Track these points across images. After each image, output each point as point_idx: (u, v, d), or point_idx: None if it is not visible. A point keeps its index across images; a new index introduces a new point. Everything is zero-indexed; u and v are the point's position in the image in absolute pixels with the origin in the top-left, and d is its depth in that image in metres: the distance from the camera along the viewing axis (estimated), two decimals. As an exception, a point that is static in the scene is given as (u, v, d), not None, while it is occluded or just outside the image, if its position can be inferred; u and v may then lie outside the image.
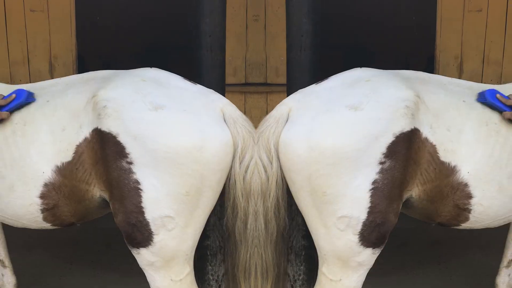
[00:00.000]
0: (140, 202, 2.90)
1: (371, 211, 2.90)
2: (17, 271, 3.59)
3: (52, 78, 4.78)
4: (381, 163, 2.86)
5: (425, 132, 2.95)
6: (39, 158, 3.00)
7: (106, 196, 3.02)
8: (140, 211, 2.91)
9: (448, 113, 3.02)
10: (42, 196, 3.02)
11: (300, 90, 3.16)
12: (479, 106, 3.08)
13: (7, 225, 3.26)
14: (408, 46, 5.00)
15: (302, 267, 3.87)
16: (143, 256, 3.00)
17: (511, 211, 3.12)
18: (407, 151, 2.90)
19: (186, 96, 3.02)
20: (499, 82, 4.99)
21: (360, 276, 3.03)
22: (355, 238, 2.93)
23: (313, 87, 3.13)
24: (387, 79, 3.08)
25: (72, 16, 4.78)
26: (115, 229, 2.98)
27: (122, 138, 2.88)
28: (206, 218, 3.04)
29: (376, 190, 2.88)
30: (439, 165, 2.96)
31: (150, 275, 3.05)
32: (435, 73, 4.83)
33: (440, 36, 5.00)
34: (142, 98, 2.94)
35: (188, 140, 2.86)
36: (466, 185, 2.98)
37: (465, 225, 3.13)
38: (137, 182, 2.88)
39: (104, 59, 4.90)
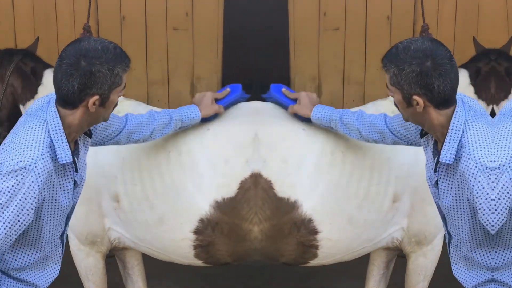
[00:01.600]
0: None
1: None
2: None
3: (193, 100, 4.66)
4: None
5: (258, 168, 2.69)
6: (195, 191, 2.81)
7: (272, 239, 2.79)
8: None
9: (284, 144, 2.77)
10: (197, 232, 2.82)
11: None
12: (323, 133, 2.78)
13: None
14: (263, 69, 4.58)
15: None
16: None
17: (367, 241, 2.86)
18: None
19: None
20: (362, 102, 4.64)
21: None
22: None
23: None
24: None
25: (219, 36, 4.66)
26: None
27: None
28: None
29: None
30: (276, 201, 2.68)
31: None
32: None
33: (294, 58, 4.69)
34: None
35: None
36: (310, 220, 2.73)
37: (314, 262, 2.88)
38: None
39: (245, 82, 4.68)
